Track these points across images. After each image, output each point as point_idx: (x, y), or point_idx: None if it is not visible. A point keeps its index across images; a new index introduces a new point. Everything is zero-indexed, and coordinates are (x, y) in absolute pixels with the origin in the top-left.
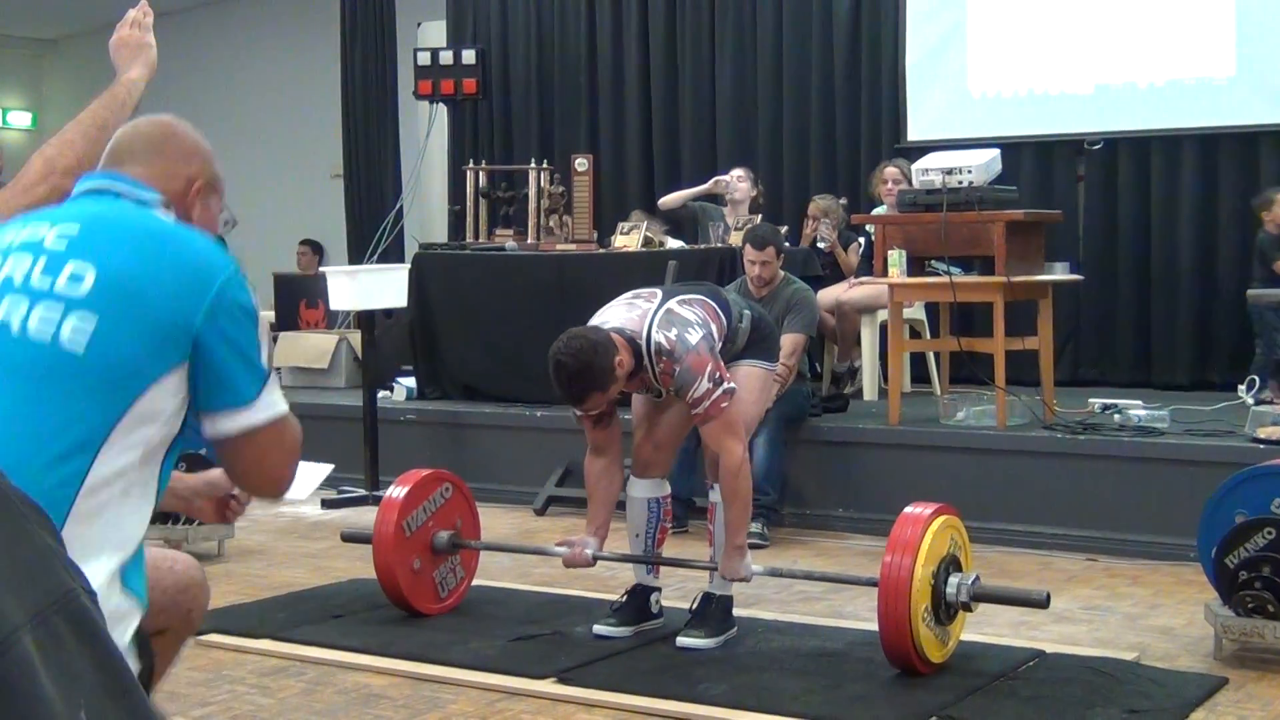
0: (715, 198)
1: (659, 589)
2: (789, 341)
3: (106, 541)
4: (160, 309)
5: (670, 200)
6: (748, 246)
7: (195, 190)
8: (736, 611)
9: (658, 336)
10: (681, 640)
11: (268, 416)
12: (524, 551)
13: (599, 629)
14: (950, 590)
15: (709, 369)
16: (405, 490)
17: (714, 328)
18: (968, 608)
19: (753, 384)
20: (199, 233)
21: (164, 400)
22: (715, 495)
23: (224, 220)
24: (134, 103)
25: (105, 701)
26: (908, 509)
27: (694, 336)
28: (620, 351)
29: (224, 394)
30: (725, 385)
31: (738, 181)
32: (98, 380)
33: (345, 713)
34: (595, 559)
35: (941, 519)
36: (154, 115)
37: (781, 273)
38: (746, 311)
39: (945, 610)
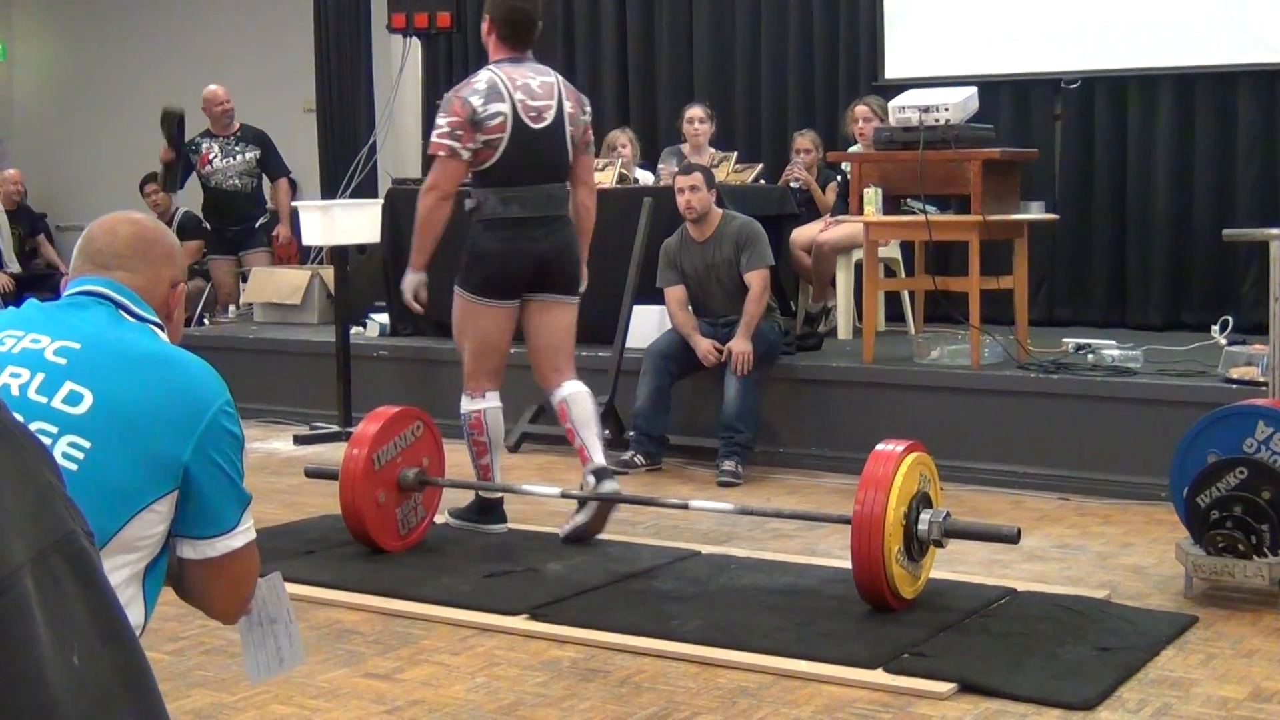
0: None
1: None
2: (757, 279)
3: None
4: (153, 439)
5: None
6: (676, 177)
7: (178, 292)
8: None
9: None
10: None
11: (245, 540)
12: (490, 489)
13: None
14: (922, 526)
15: None
16: (377, 426)
17: None
18: (939, 543)
19: None
20: (193, 359)
21: (150, 527)
22: (557, 396)
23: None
24: None
25: (97, 645)
26: (879, 446)
27: None
28: None
29: (210, 522)
30: None
31: (699, 124)
32: (88, 501)
33: (318, 648)
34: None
35: (913, 456)
36: (124, 213)
37: (719, 210)
38: None
39: (917, 546)
